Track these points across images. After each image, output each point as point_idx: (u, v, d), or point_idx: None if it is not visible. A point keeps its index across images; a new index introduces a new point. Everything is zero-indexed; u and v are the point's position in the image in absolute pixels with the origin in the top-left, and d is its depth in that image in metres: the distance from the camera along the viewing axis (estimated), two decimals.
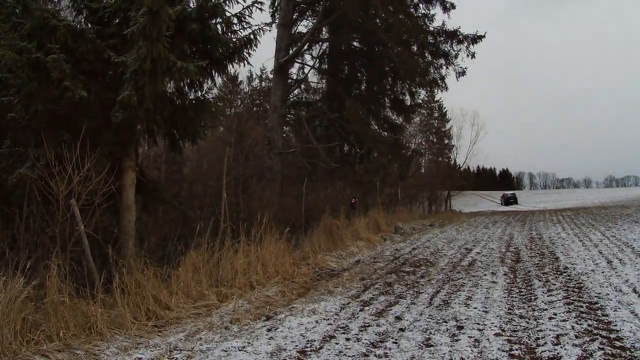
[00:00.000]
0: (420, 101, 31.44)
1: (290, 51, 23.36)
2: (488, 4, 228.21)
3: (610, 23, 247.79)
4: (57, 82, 8.49)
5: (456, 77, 27.46)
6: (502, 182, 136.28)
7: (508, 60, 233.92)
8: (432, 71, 27.83)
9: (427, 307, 8.77)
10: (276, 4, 26.42)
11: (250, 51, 11.84)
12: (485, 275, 11.72)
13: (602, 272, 11.09)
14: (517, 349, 6.33)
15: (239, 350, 6.56)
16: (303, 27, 27.46)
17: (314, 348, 6.64)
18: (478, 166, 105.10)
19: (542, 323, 7.38)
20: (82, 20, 10.69)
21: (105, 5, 10.16)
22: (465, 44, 26.71)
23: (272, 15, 26.55)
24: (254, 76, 39.13)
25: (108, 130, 9.52)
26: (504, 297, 9.26)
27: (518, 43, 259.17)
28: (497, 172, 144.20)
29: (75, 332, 6.79)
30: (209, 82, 11.61)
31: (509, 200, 76.62)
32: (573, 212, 35.21)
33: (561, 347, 6.28)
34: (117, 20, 10.19)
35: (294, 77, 28.17)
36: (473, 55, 26.73)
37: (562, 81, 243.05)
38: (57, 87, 8.55)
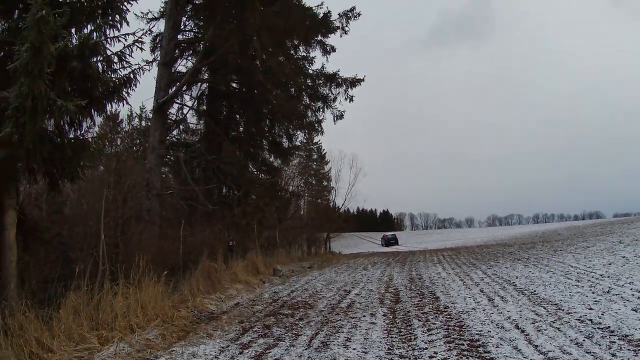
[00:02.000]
0: (298, 143, 31.80)
1: (170, 91, 23.13)
2: (370, 47, 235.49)
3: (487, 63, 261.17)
4: None
5: (334, 120, 28.20)
6: (383, 223, 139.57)
7: (389, 100, 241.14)
8: (309, 114, 28.40)
9: (306, 349, 8.83)
10: (157, 42, 26.15)
11: (129, 90, 11.84)
12: (364, 316, 11.89)
13: (484, 310, 11.42)
14: None
15: None
16: (183, 67, 27.31)
17: None
18: (358, 207, 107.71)
19: None
20: None
21: None
22: (344, 87, 27.53)
23: (152, 52, 26.32)
24: (134, 115, 38.47)
25: None
26: (384, 338, 9.45)
27: (401, 83, 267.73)
28: (378, 214, 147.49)
29: None
30: (89, 121, 11.38)
31: (390, 241, 77.64)
32: (454, 251, 36.01)
33: None
34: (1, 53, 9.87)
35: (173, 118, 27.81)
36: (351, 99, 27.60)
37: (443, 121, 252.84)
38: None
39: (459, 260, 26.61)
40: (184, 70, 26.64)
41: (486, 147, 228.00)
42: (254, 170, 30.02)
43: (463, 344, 8.51)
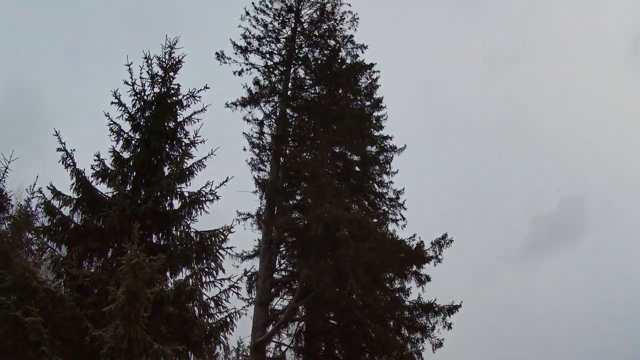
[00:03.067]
0: None
1: (267, 330, 23.19)
2: (467, 263, 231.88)
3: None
4: (34, 345, 8.40)
5: (433, 349, 27.14)
6: None
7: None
8: (408, 347, 27.56)
9: None
10: (253, 282, 26.76)
11: (226, 334, 11.91)
12: None
13: None
14: None
15: None
16: (279, 305, 27.58)
17: None
18: None
19: None
20: (61, 283, 10.81)
21: (85, 274, 10.33)
22: (442, 315, 26.78)
23: (249, 291, 26.83)
24: (231, 349, 38.47)
25: None
26: None
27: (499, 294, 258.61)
28: None
29: None
30: None
31: None
32: None
33: None
34: (96, 291, 10.30)
35: (271, 355, 27.57)
36: (450, 327, 26.69)
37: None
38: (34, 349, 8.43)
39: None
40: (280, 308, 26.91)
41: None
42: None
43: None
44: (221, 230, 12.88)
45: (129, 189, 12.67)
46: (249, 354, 26.07)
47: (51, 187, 11.87)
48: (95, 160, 12.85)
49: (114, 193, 12.18)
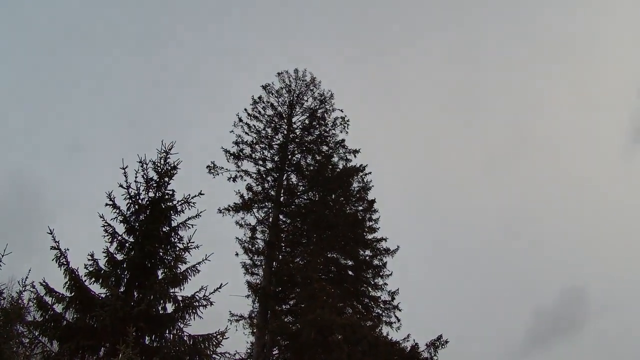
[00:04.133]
0: None
1: None
2: None
3: None
4: None
5: None
6: None
7: None
8: None
9: None
10: None
11: None
12: None
13: None
14: None
15: None
16: None
17: None
18: None
19: None
20: None
21: None
22: None
23: None
24: None
25: None
26: None
27: None
28: None
29: None
30: None
31: None
32: None
33: None
34: None
35: None
36: None
37: None
38: None
39: None
40: None
41: None
42: None
43: None
44: (214, 334, 12.90)
45: (122, 290, 12.78)
46: None
47: (44, 284, 11.95)
48: (89, 259, 13.01)
49: (107, 294, 12.29)
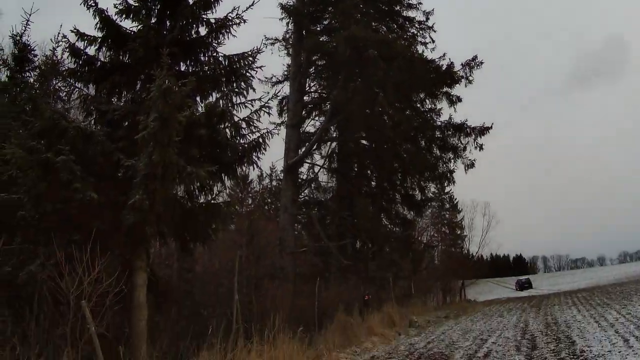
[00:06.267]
0: (431, 194, 31.41)
1: (300, 151, 23.85)
2: (507, 94, 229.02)
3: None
4: (66, 183, 8.60)
5: (465, 169, 27.67)
6: (516, 267, 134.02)
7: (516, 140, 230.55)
8: (440, 165, 28.16)
9: None
10: (284, 105, 27.18)
11: (259, 155, 12.09)
12: None
13: (619, 352, 10.76)
14: None
15: None
16: (311, 127, 28.15)
17: None
18: (491, 254, 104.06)
19: None
20: (92, 121, 11.05)
21: (115, 108, 10.50)
22: (473, 136, 27.09)
23: (280, 114, 27.48)
24: (265, 175, 39.69)
25: (119, 232, 9.60)
26: None
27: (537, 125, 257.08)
28: (511, 258, 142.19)
29: None
30: (219, 185, 11.78)
31: (524, 286, 75.71)
32: (588, 292, 34.81)
33: None
34: (126, 123, 10.47)
35: (304, 177, 28.64)
36: (481, 147, 27.04)
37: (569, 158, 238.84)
38: (66, 188, 8.65)
39: (593, 301, 25.54)
40: (312, 130, 27.45)
41: (617, 179, 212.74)
42: (388, 223, 30.00)
43: None
44: (250, 52, 12.76)
45: (153, 21, 12.51)
46: (282, 176, 26.89)
47: (75, 30, 11.72)
48: None
49: (139, 27, 12.07)
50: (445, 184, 30.23)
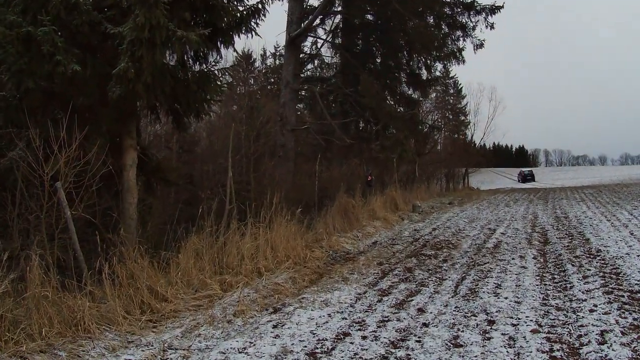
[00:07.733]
0: (438, 74, 30.32)
1: (303, 24, 22.48)
2: None
3: None
4: (48, 56, 7.75)
5: (474, 49, 26.51)
6: (518, 159, 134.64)
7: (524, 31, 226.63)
8: (449, 44, 26.90)
9: (452, 297, 7.93)
10: None
11: (258, 21, 11.03)
12: (513, 259, 10.85)
13: (638, 256, 10.13)
14: (558, 350, 5.53)
15: (239, 353, 5.80)
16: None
17: (325, 349, 5.85)
18: (494, 143, 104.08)
19: (583, 317, 6.56)
20: None
21: None
22: (484, 14, 25.70)
23: None
24: (268, 54, 38.43)
25: (106, 107, 8.83)
26: (537, 285, 8.38)
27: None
28: (513, 149, 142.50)
29: (59, 330, 6.03)
30: (215, 54, 10.82)
31: (527, 178, 75.35)
32: (594, 189, 34.33)
33: (608, 347, 5.48)
34: None
35: (307, 52, 27.34)
36: (492, 26, 25.71)
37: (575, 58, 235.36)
38: (49, 62, 7.80)
39: (602, 199, 25.12)
40: (316, 4, 25.91)
41: (622, 86, 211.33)
42: (392, 103, 28.99)
43: (623, 296, 7.34)
44: None
45: None
46: (284, 51, 25.65)
47: None
48: None
49: None
50: (454, 64, 29.00)
